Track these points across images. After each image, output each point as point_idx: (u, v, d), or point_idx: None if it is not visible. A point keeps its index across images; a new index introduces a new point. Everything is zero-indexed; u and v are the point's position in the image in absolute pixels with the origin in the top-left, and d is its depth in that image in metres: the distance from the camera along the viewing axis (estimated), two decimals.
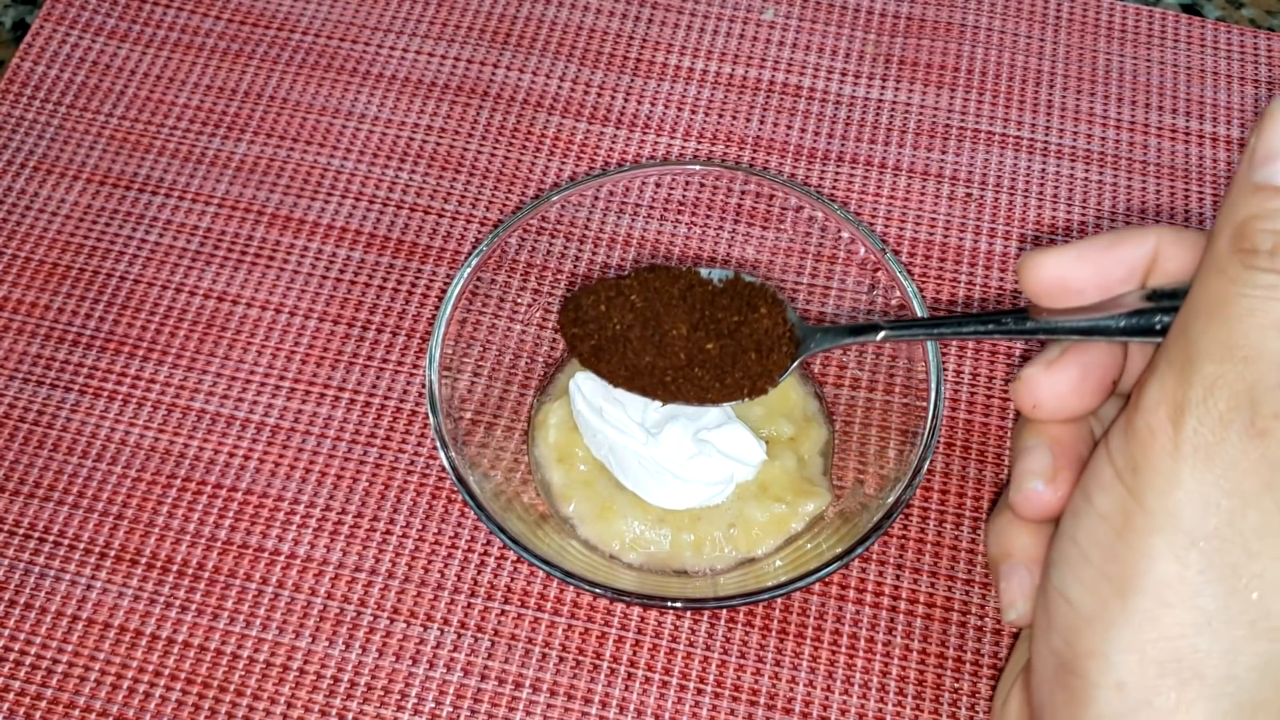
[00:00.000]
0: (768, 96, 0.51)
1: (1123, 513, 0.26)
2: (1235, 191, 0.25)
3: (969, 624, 0.39)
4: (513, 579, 0.40)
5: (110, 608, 0.39)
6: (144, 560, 0.40)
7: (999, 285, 0.46)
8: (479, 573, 0.40)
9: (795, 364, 0.36)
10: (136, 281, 0.46)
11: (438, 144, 0.49)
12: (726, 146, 0.49)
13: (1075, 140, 0.49)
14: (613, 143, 0.49)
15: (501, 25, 0.53)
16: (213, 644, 0.39)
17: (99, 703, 0.38)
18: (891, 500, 0.35)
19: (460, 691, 0.38)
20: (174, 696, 0.38)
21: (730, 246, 0.44)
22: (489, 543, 0.41)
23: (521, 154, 0.49)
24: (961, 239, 0.47)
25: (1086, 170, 0.48)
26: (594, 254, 0.45)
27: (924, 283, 0.46)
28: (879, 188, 0.48)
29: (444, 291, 0.45)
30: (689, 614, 0.39)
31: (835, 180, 0.48)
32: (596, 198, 0.43)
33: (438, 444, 0.36)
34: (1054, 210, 0.48)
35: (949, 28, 0.52)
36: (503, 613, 0.39)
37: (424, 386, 0.41)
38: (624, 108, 0.50)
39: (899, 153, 0.49)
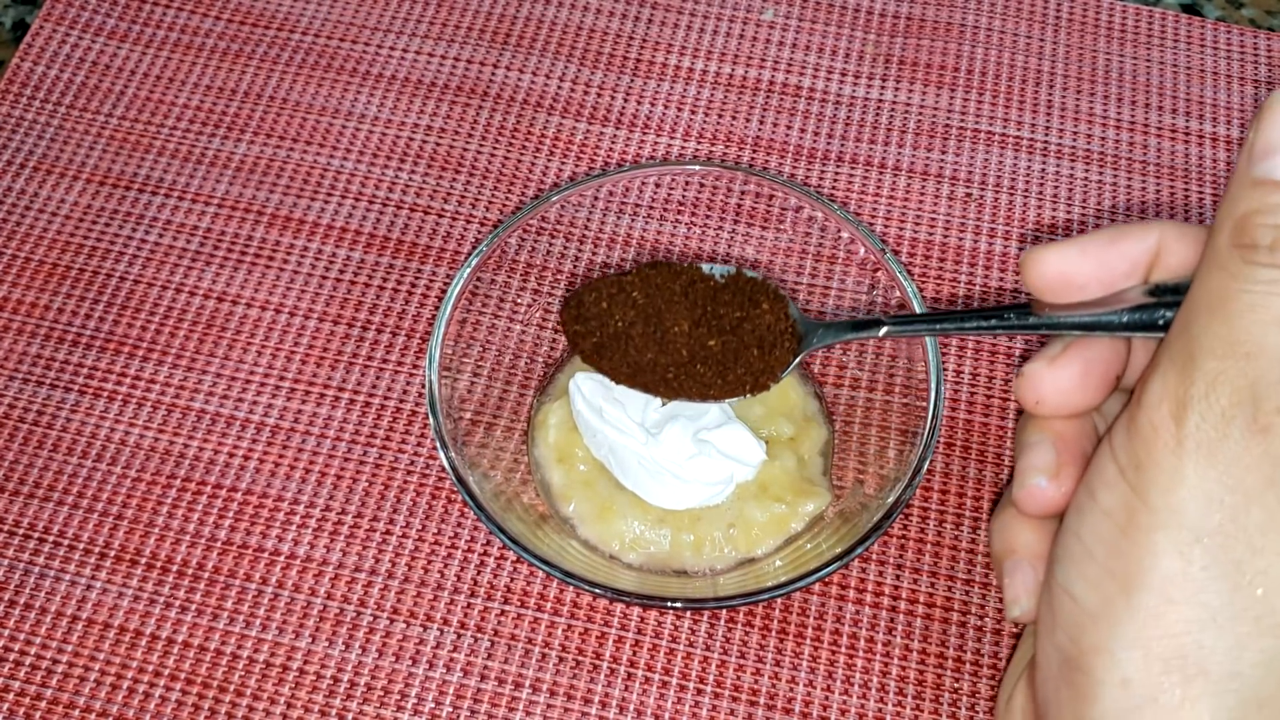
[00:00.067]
0: (768, 96, 0.51)
1: (1126, 509, 0.26)
2: (1234, 187, 0.25)
3: (969, 624, 0.39)
4: (513, 579, 0.40)
5: (110, 608, 0.39)
6: (144, 560, 0.40)
7: (999, 285, 0.46)
8: (479, 573, 0.40)
9: (797, 359, 0.36)
10: (136, 281, 0.46)
11: (438, 144, 0.49)
12: (726, 146, 0.49)
13: (1075, 140, 0.49)
14: (613, 143, 0.49)
15: (501, 25, 0.53)
16: (213, 644, 0.39)
17: (99, 703, 0.38)
18: (891, 500, 0.35)
19: (460, 691, 0.38)
20: (174, 696, 0.38)
21: (730, 246, 0.44)
22: (489, 543, 0.40)
23: (521, 154, 0.49)
24: (961, 239, 0.47)
25: (1086, 170, 0.48)
26: (594, 254, 0.45)
27: (924, 283, 0.46)
28: (879, 188, 0.48)
29: (444, 291, 0.45)
30: (689, 614, 0.39)
31: (835, 180, 0.48)
32: (596, 198, 0.43)
33: (438, 444, 0.36)
34: (1054, 210, 0.48)
35: (949, 28, 0.52)
36: (503, 613, 0.39)
37: (424, 386, 0.41)
38: (624, 108, 0.50)
39: (899, 153, 0.49)
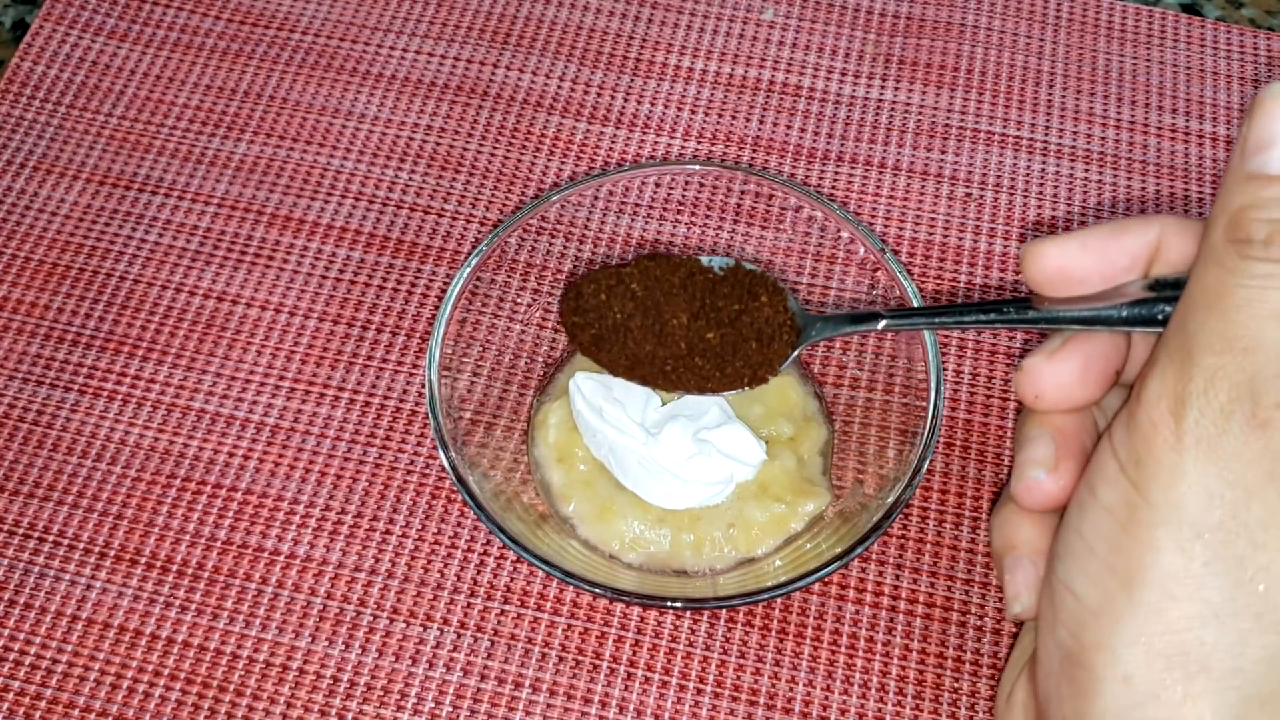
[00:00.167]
0: (768, 96, 0.51)
1: (1127, 506, 0.26)
2: (1229, 182, 0.25)
3: (969, 624, 0.39)
4: (513, 579, 0.40)
5: (110, 608, 0.39)
6: (144, 560, 0.40)
7: (999, 285, 0.46)
8: (479, 573, 0.40)
9: (796, 352, 0.36)
10: (136, 281, 0.46)
11: (438, 144, 0.49)
12: (726, 146, 0.49)
13: (1075, 140, 0.49)
14: (613, 143, 0.49)
15: (501, 25, 0.53)
16: (213, 644, 0.39)
17: (99, 703, 0.38)
18: (891, 500, 0.35)
19: (460, 691, 0.38)
20: (174, 696, 0.38)
21: (730, 246, 0.44)
22: (489, 543, 0.40)
23: (521, 154, 0.49)
24: (961, 239, 0.47)
25: (1086, 170, 0.48)
26: (594, 254, 0.45)
27: (924, 282, 0.46)
28: (879, 188, 0.48)
29: (444, 291, 0.45)
30: (689, 614, 0.39)
31: (835, 180, 0.48)
32: (596, 198, 0.43)
33: (438, 444, 0.36)
34: (1054, 210, 0.48)
35: (949, 28, 0.52)
36: (503, 613, 0.39)
37: (424, 386, 0.41)
38: (624, 108, 0.50)
39: (899, 153, 0.49)
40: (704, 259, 0.37)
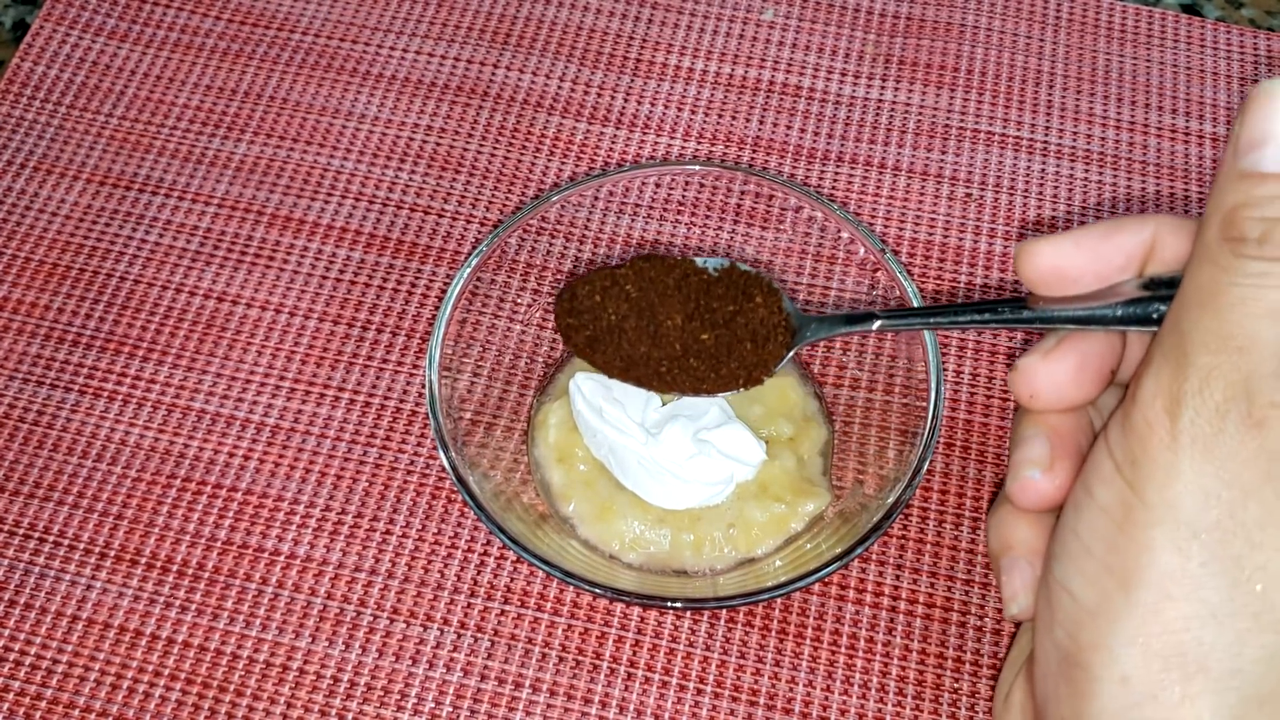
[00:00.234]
0: (768, 96, 0.51)
1: (1123, 506, 0.26)
2: (1222, 180, 0.25)
3: (969, 624, 0.39)
4: (513, 579, 0.40)
5: (110, 608, 0.39)
6: (144, 560, 0.40)
7: (999, 285, 0.46)
8: (479, 573, 0.40)
9: (790, 353, 0.36)
10: (136, 281, 0.46)
11: (438, 144, 0.49)
12: (726, 146, 0.49)
13: (1075, 140, 0.49)
14: (613, 143, 0.49)
15: (501, 25, 0.53)
16: (213, 644, 0.39)
17: (99, 703, 0.38)
18: (891, 500, 0.35)
19: (460, 691, 0.38)
20: (174, 696, 0.38)
21: (730, 247, 0.44)
22: (489, 543, 0.40)
23: (521, 154, 0.49)
24: (961, 239, 0.47)
25: (1086, 170, 0.48)
26: (594, 254, 0.45)
27: (924, 283, 0.46)
28: (879, 188, 0.48)
29: (444, 291, 0.45)
30: (689, 614, 0.39)
31: (835, 180, 0.48)
32: (596, 198, 0.43)
33: (438, 444, 0.36)
34: (1054, 210, 0.48)
35: (949, 28, 0.52)
36: (503, 613, 0.39)
37: (424, 386, 0.41)
38: (624, 108, 0.50)
39: (899, 153, 0.49)
40: (699, 260, 0.37)
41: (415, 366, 0.44)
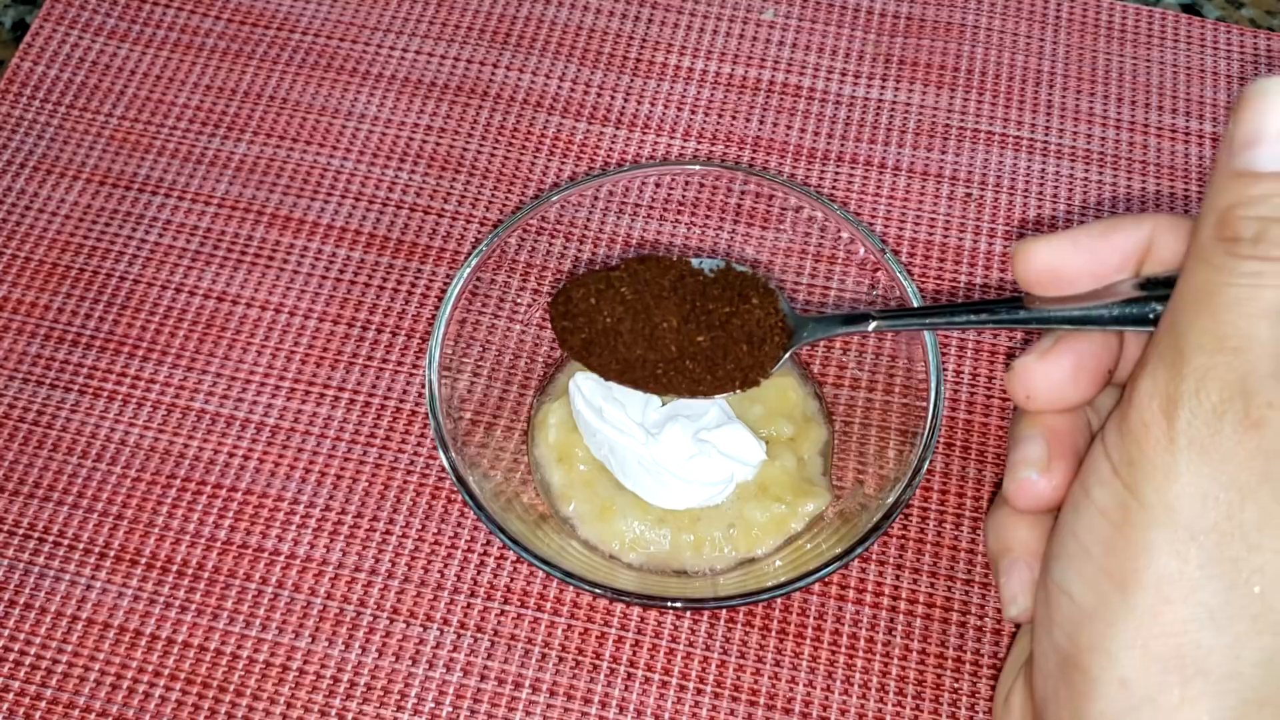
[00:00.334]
0: (768, 96, 0.51)
1: (1121, 508, 0.25)
2: (1216, 179, 0.24)
3: (969, 624, 0.39)
4: (513, 579, 0.40)
5: (110, 608, 0.39)
6: (144, 560, 0.40)
7: (999, 285, 0.46)
8: (479, 573, 0.40)
9: (787, 355, 0.36)
10: (136, 281, 0.46)
11: (438, 144, 0.49)
12: (726, 146, 0.49)
13: (1075, 140, 0.49)
14: (613, 143, 0.49)
15: (501, 25, 0.53)
16: (213, 644, 0.39)
17: (99, 703, 0.38)
18: (891, 500, 0.35)
19: (460, 691, 0.38)
20: (174, 696, 0.38)
21: (730, 246, 0.44)
22: (489, 543, 0.40)
23: (521, 154, 0.49)
24: (961, 239, 0.47)
25: (1086, 170, 0.48)
26: (594, 254, 0.45)
27: (924, 283, 0.46)
28: (879, 188, 0.48)
29: (444, 291, 0.45)
30: (689, 614, 0.39)
31: (835, 180, 0.48)
32: (596, 198, 0.43)
33: (438, 444, 0.36)
34: (1054, 210, 0.48)
35: (949, 28, 0.52)
36: (503, 613, 0.39)
37: (424, 386, 0.41)
38: (624, 108, 0.50)
39: (899, 153, 0.49)
40: (695, 261, 0.37)
41: (415, 366, 0.44)
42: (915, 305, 0.38)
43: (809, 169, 0.49)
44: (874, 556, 0.40)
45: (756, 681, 0.38)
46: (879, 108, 0.50)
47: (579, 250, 0.44)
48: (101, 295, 0.46)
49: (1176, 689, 0.25)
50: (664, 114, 0.50)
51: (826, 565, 0.34)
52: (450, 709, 0.38)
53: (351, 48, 0.52)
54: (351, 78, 0.51)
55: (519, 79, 0.51)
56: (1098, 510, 0.26)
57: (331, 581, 0.40)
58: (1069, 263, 0.28)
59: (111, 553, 0.40)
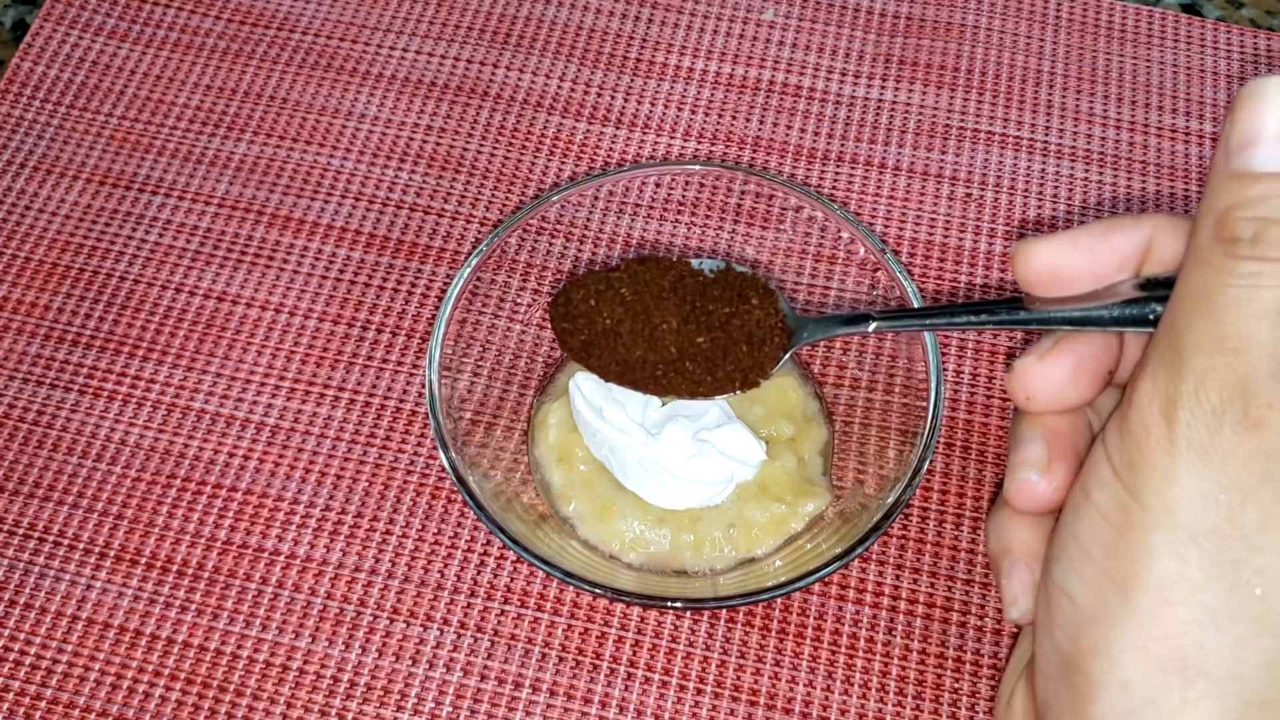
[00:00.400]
0: (768, 96, 0.51)
1: (1122, 510, 0.25)
2: (1214, 180, 0.24)
3: (969, 624, 0.39)
4: (513, 579, 0.40)
5: (110, 608, 0.39)
6: (144, 560, 0.40)
7: (999, 285, 0.46)
8: (479, 573, 0.40)
9: (787, 356, 0.36)
10: (136, 281, 0.46)
11: (438, 144, 0.49)
12: (726, 146, 0.49)
13: (1075, 140, 0.49)
14: (613, 143, 0.49)
15: (501, 25, 0.53)
16: (213, 644, 0.39)
17: (99, 703, 0.38)
18: (891, 500, 0.35)
19: (460, 691, 0.38)
20: (174, 696, 0.38)
21: (730, 247, 0.44)
22: (489, 543, 0.40)
23: (521, 154, 0.49)
24: (961, 239, 0.47)
25: (1086, 170, 0.48)
26: (594, 254, 0.45)
27: (924, 283, 0.46)
28: (879, 188, 0.48)
29: (444, 291, 0.45)
30: (689, 614, 0.39)
31: (835, 180, 0.48)
32: (596, 198, 0.43)
33: (438, 444, 0.36)
34: (1054, 210, 0.48)
35: (949, 28, 0.52)
36: (503, 613, 0.39)
37: (424, 386, 0.41)
38: (624, 108, 0.50)
39: (899, 153, 0.49)
40: (694, 261, 0.37)
41: (415, 366, 0.44)
42: (915, 305, 0.38)
43: (809, 169, 0.49)
44: (874, 556, 0.40)
45: (756, 681, 0.38)
46: (879, 108, 0.50)
47: (579, 250, 0.44)
48: (101, 295, 0.46)
49: (1178, 691, 0.24)
50: (664, 114, 0.50)
51: (826, 565, 0.34)
52: (450, 709, 0.38)
53: (351, 48, 0.52)
54: (351, 78, 0.51)
55: (519, 79, 0.51)
56: (1098, 512, 0.26)
57: (331, 581, 0.40)
58: (1069, 263, 0.28)
59: (111, 553, 0.40)
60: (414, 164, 0.49)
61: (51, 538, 0.41)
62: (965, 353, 0.44)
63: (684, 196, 0.45)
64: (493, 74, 0.51)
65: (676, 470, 0.38)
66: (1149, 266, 0.28)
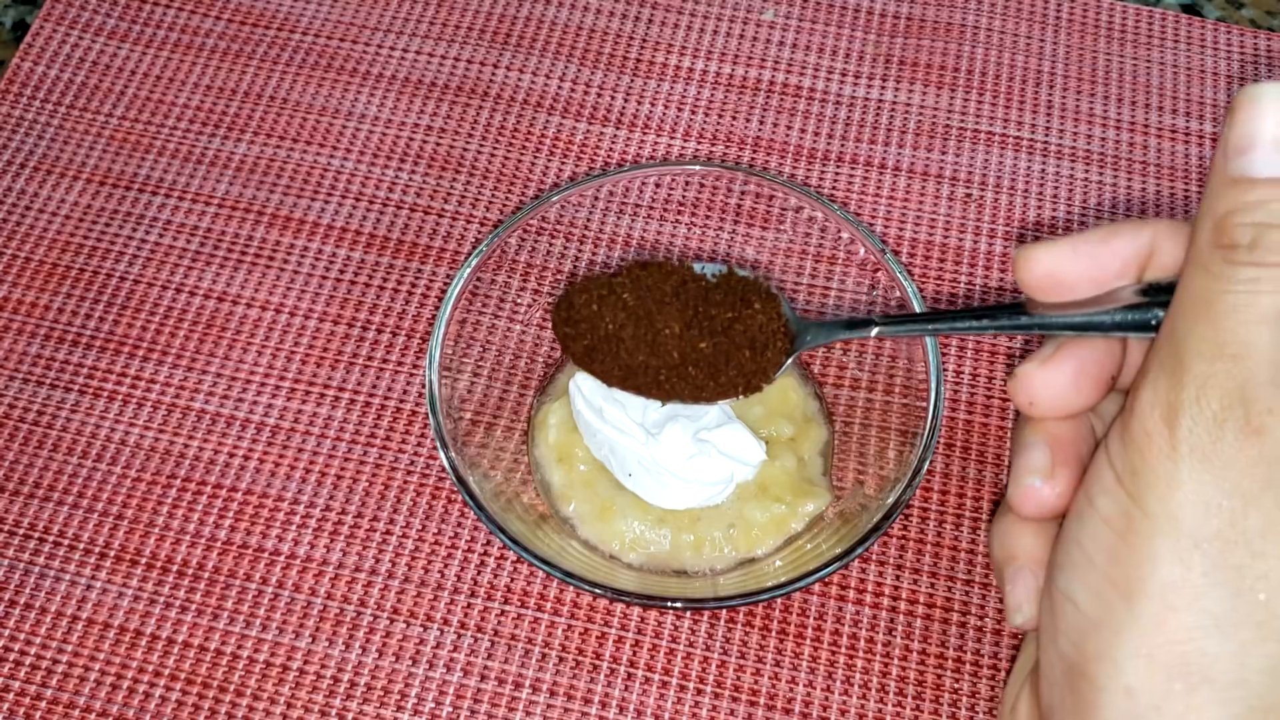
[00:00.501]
0: (768, 96, 0.51)
1: (1124, 516, 0.25)
2: (1212, 186, 0.24)
3: (969, 624, 0.39)
4: (513, 579, 0.40)
5: (110, 608, 0.39)
6: (144, 560, 0.40)
7: (999, 286, 0.46)
8: (479, 573, 0.40)
9: (790, 360, 0.36)
10: (136, 281, 0.46)
11: (438, 144, 0.49)
12: (726, 146, 0.49)
13: (1075, 140, 0.49)
14: (613, 143, 0.49)
15: (501, 25, 0.53)
16: (213, 644, 0.39)
17: (99, 703, 0.38)
18: (891, 501, 0.35)
19: (460, 691, 0.38)
20: (174, 696, 0.38)
21: (730, 247, 0.44)
22: (489, 543, 0.41)
23: (521, 154, 0.49)
24: (961, 239, 0.47)
25: (1086, 170, 0.48)
26: (594, 254, 0.45)
27: (924, 283, 0.46)
28: (879, 188, 0.48)
29: (444, 291, 0.45)
30: (689, 614, 0.39)
31: (835, 180, 0.48)
32: (596, 198, 0.43)
33: (438, 444, 0.36)
34: (1054, 210, 0.48)
35: (949, 28, 0.52)
36: (503, 613, 0.39)
37: (424, 386, 0.41)
38: (624, 108, 0.50)
39: (899, 153, 0.49)
40: (696, 265, 0.37)
41: (415, 366, 0.44)
42: (916, 306, 0.38)
43: (809, 169, 0.49)
44: (874, 557, 0.40)
45: (756, 681, 0.38)
46: (879, 108, 0.50)
47: (579, 250, 0.44)
48: (101, 295, 0.46)
49: (1182, 697, 0.24)
50: (664, 114, 0.50)
51: (826, 565, 0.34)
52: (450, 709, 0.38)
53: (351, 48, 0.52)
54: (351, 78, 0.51)
55: (519, 79, 0.51)
56: (1101, 519, 0.26)
57: (331, 581, 0.40)
58: (1070, 269, 0.28)
59: (111, 553, 0.40)
60: (414, 164, 0.49)
61: (51, 538, 0.41)
62: (965, 353, 0.44)
63: (684, 197, 0.45)
64: (493, 74, 0.51)
65: (676, 470, 0.38)
66: (1151, 272, 0.28)
